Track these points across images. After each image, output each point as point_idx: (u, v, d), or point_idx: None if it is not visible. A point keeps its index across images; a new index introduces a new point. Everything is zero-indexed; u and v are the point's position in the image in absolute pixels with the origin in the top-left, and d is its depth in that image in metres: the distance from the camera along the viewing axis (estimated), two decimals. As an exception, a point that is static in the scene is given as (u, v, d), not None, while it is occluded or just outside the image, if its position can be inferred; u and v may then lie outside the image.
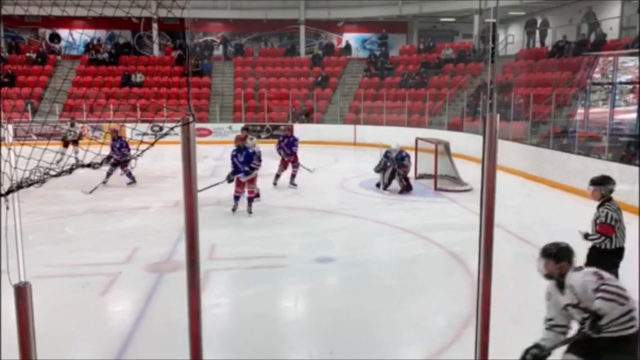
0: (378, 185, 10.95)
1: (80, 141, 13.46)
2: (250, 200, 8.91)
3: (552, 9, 20.12)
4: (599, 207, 4.80)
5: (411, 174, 11.26)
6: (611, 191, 4.80)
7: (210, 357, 2.75)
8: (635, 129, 12.08)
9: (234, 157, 8.86)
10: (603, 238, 4.69)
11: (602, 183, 4.79)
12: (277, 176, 11.26)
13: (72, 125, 13.66)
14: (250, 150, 8.90)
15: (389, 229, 8.12)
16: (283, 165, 11.25)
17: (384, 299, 5.49)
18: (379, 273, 6.32)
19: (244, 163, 8.76)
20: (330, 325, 4.91)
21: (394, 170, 10.74)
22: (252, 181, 8.92)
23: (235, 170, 8.80)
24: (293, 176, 11.22)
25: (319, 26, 25.54)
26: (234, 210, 8.89)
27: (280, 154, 11.24)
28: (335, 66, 23.09)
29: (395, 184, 10.85)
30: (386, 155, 10.79)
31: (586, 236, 4.78)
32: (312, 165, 11.71)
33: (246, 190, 8.89)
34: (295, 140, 11.33)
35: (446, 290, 5.76)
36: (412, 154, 12.58)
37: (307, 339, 4.80)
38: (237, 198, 8.92)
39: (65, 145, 13.02)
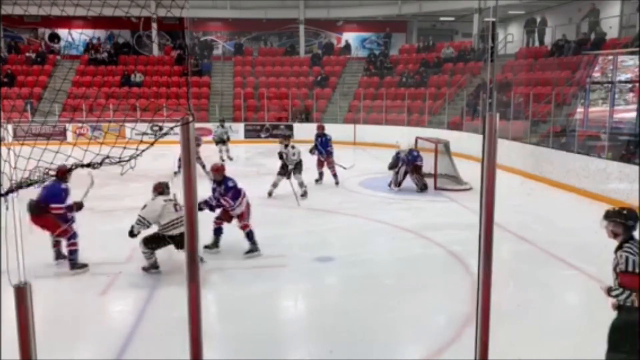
0: (390, 184, 10.98)
1: (229, 140, 14.86)
2: (249, 235, 6.81)
3: (552, 8, 20.12)
4: (617, 249, 3.60)
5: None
6: (631, 227, 3.58)
7: (210, 356, 2.75)
8: (635, 128, 12.08)
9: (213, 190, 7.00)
10: (627, 293, 3.49)
11: (613, 218, 3.62)
12: (321, 174, 11.39)
13: (222, 126, 14.84)
14: (230, 184, 6.88)
15: (389, 228, 8.12)
16: (320, 165, 11.30)
17: (383, 298, 5.49)
18: (379, 272, 6.32)
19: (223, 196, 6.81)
20: (330, 325, 4.91)
21: (407, 169, 10.82)
22: (243, 215, 6.84)
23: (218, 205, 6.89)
24: (334, 175, 11.30)
25: (318, 25, 25.54)
26: (211, 247, 6.85)
27: (315, 154, 11.26)
28: (334, 65, 23.08)
29: (409, 183, 10.87)
30: (397, 156, 10.87)
31: (609, 291, 3.62)
32: (347, 163, 11.79)
33: (238, 224, 6.89)
34: (329, 139, 11.32)
35: (446, 289, 5.76)
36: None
37: (307, 338, 4.80)
38: (218, 231, 6.97)
39: (217, 143, 14.46)
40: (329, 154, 11.28)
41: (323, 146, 11.19)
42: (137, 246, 6.99)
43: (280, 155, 10.08)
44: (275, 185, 10.06)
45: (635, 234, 3.57)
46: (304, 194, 10.09)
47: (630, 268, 3.47)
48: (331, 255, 6.79)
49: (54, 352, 4.01)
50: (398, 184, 10.84)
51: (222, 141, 14.74)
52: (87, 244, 7.30)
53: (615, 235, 3.61)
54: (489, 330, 2.40)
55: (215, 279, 6.02)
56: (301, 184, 10.15)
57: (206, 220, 6.58)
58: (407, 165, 10.70)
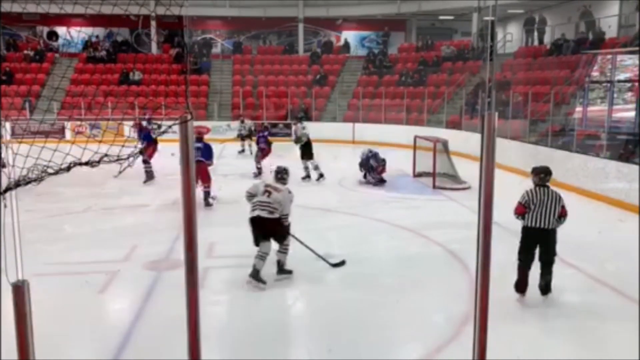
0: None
1: (252, 136, 15.75)
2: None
3: (551, 7, 20.12)
4: None
5: (409, 172, 11.39)
6: (543, 179, 5.31)
7: (209, 354, 2.75)
8: (634, 127, 12.08)
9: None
10: (515, 215, 5.27)
11: (534, 172, 5.41)
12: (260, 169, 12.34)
13: (242, 122, 16.61)
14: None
15: (388, 227, 8.12)
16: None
17: (382, 297, 5.49)
18: (378, 271, 6.32)
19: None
20: (328, 323, 4.91)
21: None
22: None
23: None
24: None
25: (317, 24, 25.51)
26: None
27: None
28: (333, 64, 23.06)
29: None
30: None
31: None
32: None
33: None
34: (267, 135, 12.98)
35: (444, 288, 5.76)
36: (410, 152, 12.63)
37: (306, 337, 4.81)
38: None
39: (243, 139, 16.16)
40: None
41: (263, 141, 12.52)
42: (136, 245, 7.02)
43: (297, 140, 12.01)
44: (306, 168, 11.56)
45: (549, 184, 5.33)
46: (321, 176, 11.55)
47: (520, 199, 5.23)
48: (330, 253, 6.77)
49: (52, 350, 4.00)
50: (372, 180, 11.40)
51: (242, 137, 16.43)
52: (85, 242, 7.32)
53: (534, 183, 5.33)
54: (487, 329, 2.40)
55: (214, 278, 6.02)
56: (316, 167, 11.56)
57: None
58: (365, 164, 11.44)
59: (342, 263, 6.29)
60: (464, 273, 6.08)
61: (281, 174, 6.07)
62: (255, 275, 5.60)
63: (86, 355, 4.48)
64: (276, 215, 5.68)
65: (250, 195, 5.91)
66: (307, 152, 11.69)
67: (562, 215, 5.22)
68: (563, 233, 7.15)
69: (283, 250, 5.89)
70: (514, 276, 6.03)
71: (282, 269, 5.91)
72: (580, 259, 6.54)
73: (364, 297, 5.50)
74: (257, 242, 5.74)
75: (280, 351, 4.52)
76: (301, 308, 5.55)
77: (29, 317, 2.15)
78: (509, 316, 4.86)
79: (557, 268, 6.37)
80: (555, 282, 5.99)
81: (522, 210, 5.20)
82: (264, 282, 5.59)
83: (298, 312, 5.43)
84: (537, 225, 5.18)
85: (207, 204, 9.04)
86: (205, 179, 8.94)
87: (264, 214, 5.66)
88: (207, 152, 9.01)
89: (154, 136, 11.37)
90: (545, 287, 5.34)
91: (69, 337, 4.68)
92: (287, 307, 5.54)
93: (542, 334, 4.69)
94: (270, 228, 5.70)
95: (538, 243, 5.27)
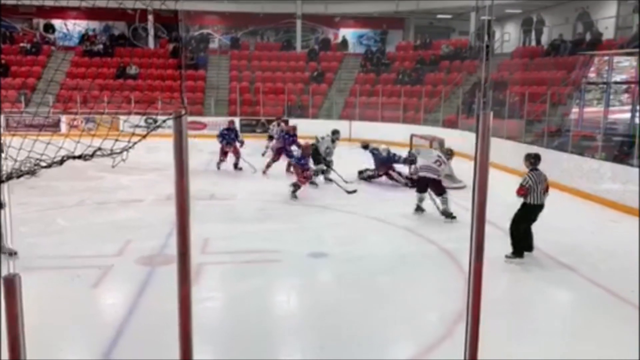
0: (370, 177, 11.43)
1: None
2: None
3: (549, 8, 20.14)
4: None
5: (405, 170, 11.43)
6: (534, 164, 6.44)
7: (201, 350, 2.75)
8: (629, 129, 12.12)
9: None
10: (518, 196, 6.32)
11: (527, 158, 6.53)
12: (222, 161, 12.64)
13: (279, 124, 15.53)
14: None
15: (383, 225, 8.13)
16: (225, 154, 12.62)
17: (376, 295, 5.50)
18: (372, 269, 6.33)
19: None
20: (322, 321, 4.92)
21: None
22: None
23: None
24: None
25: (315, 21, 25.45)
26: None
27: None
28: (331, 61, 23.02)
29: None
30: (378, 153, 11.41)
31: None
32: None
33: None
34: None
35: (438, 286, 5.78)
36: (406, 150, 12.62)
37: (299, 334, 4.81)
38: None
39: (270, 138, 15.20)
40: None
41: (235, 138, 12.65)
42: (130, 240, 7.00)
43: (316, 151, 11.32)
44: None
45: (540, 167, 6.43)
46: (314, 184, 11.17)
47: (522, 183, 6.35)
48: (325, 251, 6.79)
49: (44, 345, 3.99)
50: (368, 177, 11.40)
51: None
52: (79, 236, 7.29)
53: (527, 168, 6.46)
54: (479, 327, 2.41)
55: (208, 274, 6.01)
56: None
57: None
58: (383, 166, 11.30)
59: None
60: (458, 271, 6.10)
61: (450, 152, 9.18)
62: (417, 208, 8.63)
63: (78, 350, 4.47)
64: (440, 178, 8.49)
65: (418, 153, 9.33)
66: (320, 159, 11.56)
67: (546, 190, 6.40)
68: (557, 233, 7.19)
69: (444, 201, 8.34)
70: (508, 275, 6.09)
71: (447, 214, 8.28)
72: (573, 259, 6.58)
73: (358, 294, 5.51)
74: (421, 192, 8.56)
75: (273, 349, 4.52)
76: (294, 305, 5.55)
77: (19, 311, 2.13)
78: (501, 315, 4.87)
79: (550, 267, 6.44)
80: (548, 281, 6.04)
81: (524, 192, 6.28)
82: (423, 210, 8.62)
83: (291, 310, 5.43)
84: (539, 202, 6.33)
85: (312, 183, 10.51)
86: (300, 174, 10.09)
87: (434, 176, 8.43)
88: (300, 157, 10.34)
89: (240, 137, 12.86)
90: (531, 247, 6.52)
91: (60, 331, 4.66)
92: (280, 304, 5.54)
93: (534, 333, 4.71)
94: (434, 186, 8.41)
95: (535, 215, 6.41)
